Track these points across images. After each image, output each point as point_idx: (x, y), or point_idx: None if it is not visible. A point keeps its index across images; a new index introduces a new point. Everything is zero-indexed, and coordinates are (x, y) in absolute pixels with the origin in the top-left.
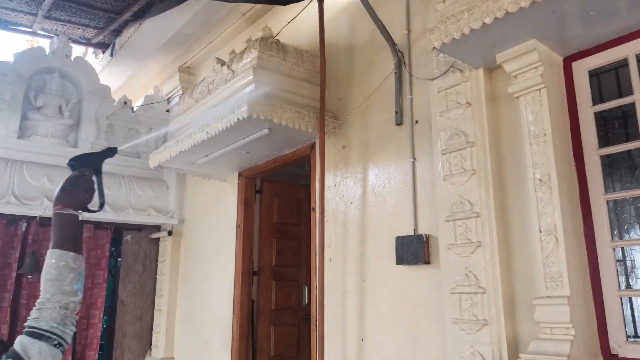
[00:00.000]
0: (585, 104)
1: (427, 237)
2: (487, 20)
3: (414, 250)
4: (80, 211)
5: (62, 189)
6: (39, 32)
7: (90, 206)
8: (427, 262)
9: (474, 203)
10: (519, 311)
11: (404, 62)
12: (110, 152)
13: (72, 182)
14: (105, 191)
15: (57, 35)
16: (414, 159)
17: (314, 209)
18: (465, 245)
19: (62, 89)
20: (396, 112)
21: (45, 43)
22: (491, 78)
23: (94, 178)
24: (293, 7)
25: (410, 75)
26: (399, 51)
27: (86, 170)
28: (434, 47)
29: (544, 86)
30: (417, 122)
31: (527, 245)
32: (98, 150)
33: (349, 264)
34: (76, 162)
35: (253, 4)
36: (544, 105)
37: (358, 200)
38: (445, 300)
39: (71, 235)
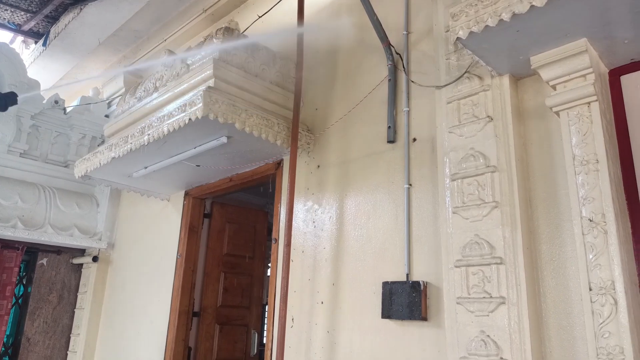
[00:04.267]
0: (638, 126)
1: (426, 285)
2: (538, 3)
3: (406, 301)
4: None
5: None
6: None
7: None
8: (425, 319)
9: (495, 245)
10: None
11: (403, 67)
12: (2, 98)
13: None
14: (15, 204)
15: None
16: (410, 185)
17: (276, 240)
18: (482, 301)
19: None
20: (389, 127)
21: None
22: (517, 88)
23: None
24: (263, 3)
25: (411, 82)
26: (396, 53)
27: None
28: (457, 38)
29: (595, 99)
30: (414, 140)
31: (568, 305)
32: (16, 154)
33: (318, 314)
34: None
35: None
36: (595, 123)
37: (333, 234)
38: None
39: None
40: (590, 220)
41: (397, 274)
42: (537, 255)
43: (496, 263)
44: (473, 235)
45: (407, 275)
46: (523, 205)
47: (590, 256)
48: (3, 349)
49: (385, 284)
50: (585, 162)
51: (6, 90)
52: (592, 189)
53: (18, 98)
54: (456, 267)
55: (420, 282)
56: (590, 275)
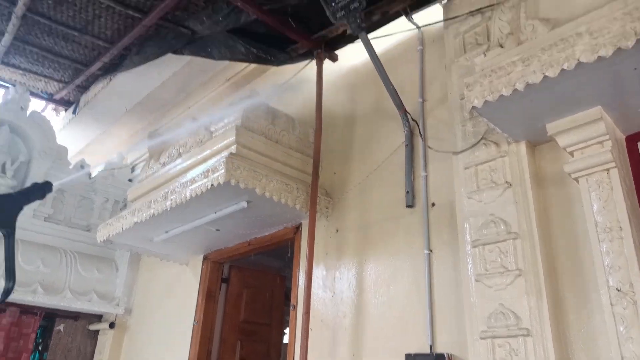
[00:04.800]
0: None
1: (450, 357)
2: (551, 73)
3: None
4: None
5: None
6: None
7: None
8: None
9: (522, 316)
10: None
11: (419, 133)
12: (39, 189)
13: None
14: (37, 268)
15: (14, 84)
16: (430, 250)
17: (295, 307)
18: None
19: (10, 145)
20: (407, 192)
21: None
22: (534, 154)
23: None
24: (285, 72)
25: (428, 147)
26: (412, 119)
27: None
28: (472, 107)
29: (614, 165)
30: (433, 204)
31: None
32: (41, 219)
33: None
34: None
35: (242, 66)
36: (615, 190)
37: (353, 301)
38: None
39: None
40: (618, 290)
41: (420, 345)
42: (564, 326)
43: (523, 335)
44: (498, 304)
45: (431, 347)
46: (547, 274)
47: (621, 328)
48: None
49: (408, 356)
50: (609, 230)
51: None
52: (617, 257)
53: (58, 183)
54: (482, 338)
55: (445, 354)
56: (622, 349)
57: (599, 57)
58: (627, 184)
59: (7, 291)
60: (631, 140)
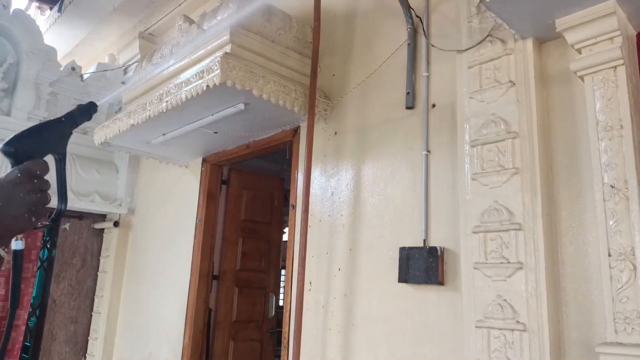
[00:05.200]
0: None
1: (443, 250)
2: None
3: (423, 266)
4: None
5: None
6: None
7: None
8: (441, 283)
9: (515, 212)
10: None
11: (423, 30)
12: (86, 110)
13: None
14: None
15: None
16: (428, 151)
17: (294, 207)
18: (500, 266)
19: None
20: (407, 93)
21: None
22: (540, 52)
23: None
24: None
25: (431, 46)
26: (416, 16)
27: (35, 165)
28: (480, 0)
29: (622, 63)
30: (434, 105)
31: (586, 271)
32: (36, 121)
33: (335, 278)
34: (20, 146)
35: None
36: (620, 88)
37: (351, 200)
38: (466, 335)
39: None
40: (612, 187)
41: (415, 239)
42: (556, 221)
43: (515, 229)
44: (492, 201)
45: (424, 240)
46: (544, 172)
47: (611, 222)
48: (30, 309)
49: (402, 249)
50: (609, 128)
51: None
52: (615, 155)
53: (102, 101)
54: (474, 233)
55: (438, 247)
56: (610, 241)
57: None
58: (633, 82)
59: (59, 212)
60: None
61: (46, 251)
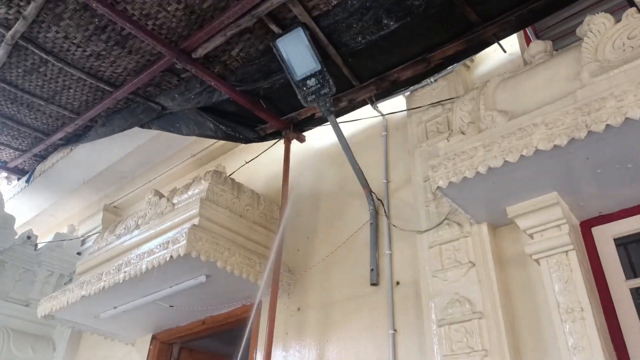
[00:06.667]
0: (616, 277)
1: None
2: (511, 158)
3: None
4: None
5: None
6: None
7: None
8: None
9: None
10: None
11: (384, 212)
12: None
13: None
14: None
15: None
16: (395, 330)
17: None
18: None
19: None
20: (372, 270)
21: None
22: (495, 236)
23: None
24: (252, 150)
25: (393, 226)
26: (377, 199)
27: None
28: (437, 187)
29: (572, 248)
30: (398, 283)
31: None
32: None
33: None
34: None
35: (209, 142)
36: (575, 271)
37: None
38: None
39: None
40: None
41: None
42: None
43: None
44: None
45: None
46: (512, 354)
47: None
48: None
49: None
50: (571, 310)
51: None
52: (580, 337)
53: None
54: None
55: None
56: None
57: (555, 145)
58: (584, 266)
59: None
60: (586, 225)
61: None
